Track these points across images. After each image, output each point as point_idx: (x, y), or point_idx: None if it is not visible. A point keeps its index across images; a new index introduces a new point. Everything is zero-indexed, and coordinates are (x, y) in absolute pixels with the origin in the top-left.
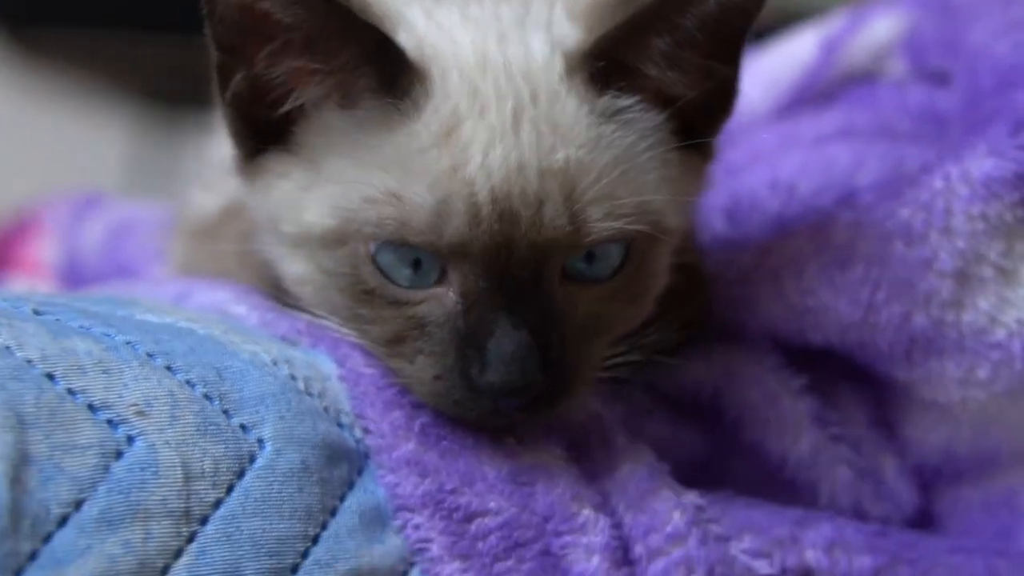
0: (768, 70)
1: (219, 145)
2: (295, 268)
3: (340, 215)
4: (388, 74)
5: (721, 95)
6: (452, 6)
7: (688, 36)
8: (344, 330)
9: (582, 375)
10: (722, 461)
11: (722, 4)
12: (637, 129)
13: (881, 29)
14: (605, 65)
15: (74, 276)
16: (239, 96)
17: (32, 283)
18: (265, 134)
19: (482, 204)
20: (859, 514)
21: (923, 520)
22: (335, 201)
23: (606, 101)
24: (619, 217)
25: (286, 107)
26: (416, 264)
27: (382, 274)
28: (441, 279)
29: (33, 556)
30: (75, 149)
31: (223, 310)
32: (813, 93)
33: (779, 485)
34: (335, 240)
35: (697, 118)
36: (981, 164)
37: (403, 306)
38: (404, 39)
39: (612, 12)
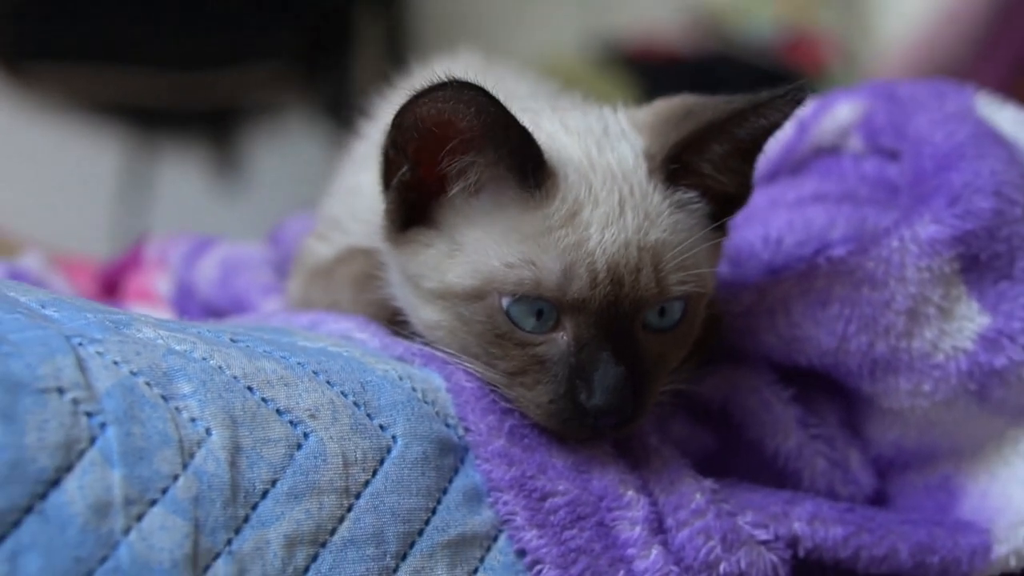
0: None
1: (332, 205)
2: (431, 316)
3: (482, 277)
4: (528, 168)
5: (745, 188)
6: (552, 116)
7: (737, 144)
8: (470, 364)
9: (652, 401)
10: (729, 455)
11: (769, 121)
12: (695, 216)
13: (842, 113)
14: (676, 167)
15: (187, 306)
16: (402, 184)
17: (152, 311)
18: (414, 213)
19: (599, 271)
20: (832, 495)
21: (879, 499)
22: (476, 266)
23: (678, 195)
24: (687, 282)
25: (452, 193)
26: (539, 314)
27: (512, 322)
28: (556, 325)
29: (246, 519)
30: (70, 170)
31: (349, 336)
32: (791, 163)
33: (772, 473)
34: (475, 296)
35: (723, 205)
36: (926, 229)
37: (527, 346)
38: None
39: (675, 125)
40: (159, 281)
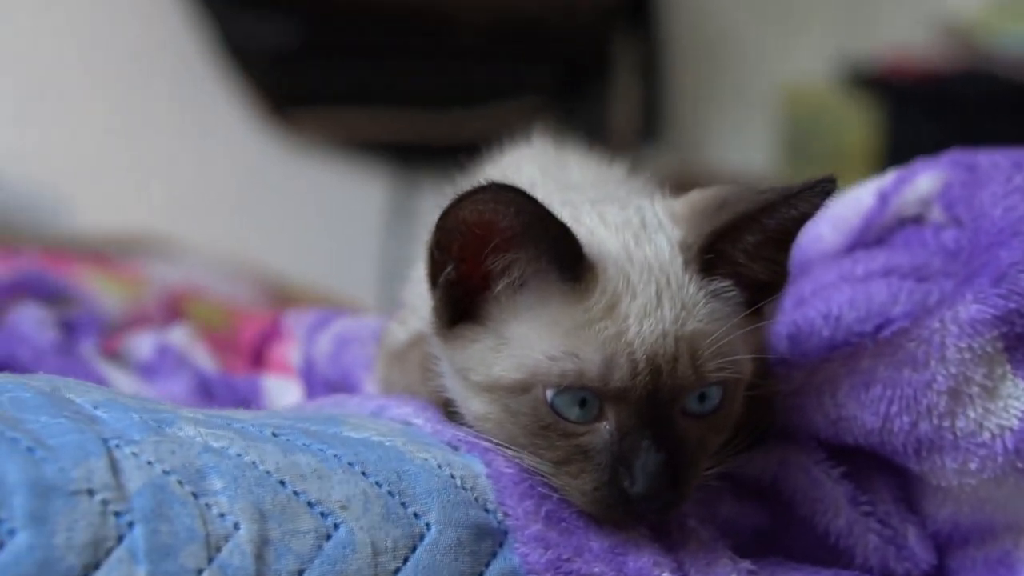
0: (836, 213)
1: (408, 291)
2: (479, 408)
3: (527, 370)
4: (568, 263)
5: (780, 276)
6: (592, 211)
7: (769, 234)
8: (516, 454)
9: (693, 485)
10: (783, 531)
11: (800, 211)
12: (730, 304)
13: (923, 184)
14: (711, 257)
15: (311, 379)
16: (448, 282)
17: (283, 383)
18: (461, 309)
19: (639, 361)
20: (886, 571)
21: (942, 574)
22: (522, 360)
23: (713, 285)
24: (723, 369)
25: (496, 289)
26: (583, 403)
27: (556, 413)
28: (599, 415)
29: None
30: (339, 209)
31: (407, 421)
32: (874, 234)
33: (826, 549)
34: (520, 389)
35: (760, 292)
36: (967, 309)
37: (571, 436)
38: None
39: (710, 216)
40: (293, 353)
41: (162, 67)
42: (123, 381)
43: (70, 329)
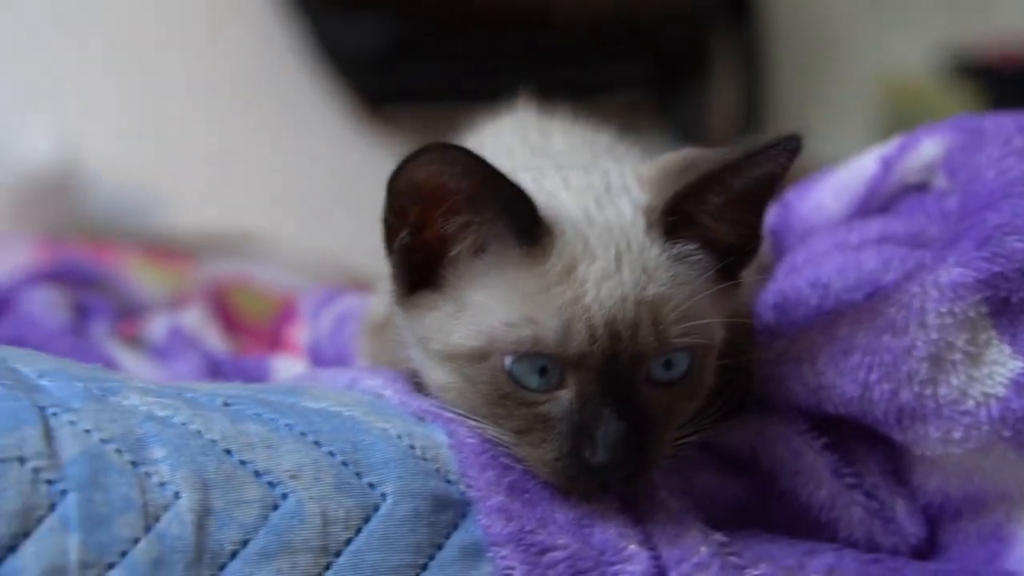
0: (839, 181)
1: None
2: (440, 377)
3: (484, 337)
4: (524, 226)
5: (751, 239)
6: (555, 175)
7: (735, 195)
8: (478, 424)
9: (660, 454)
10: (764, 504)
11: (765, 171)
12: (697, 267)
13: (927, 149)
14: (675, 219)
15: (319, 358)
16: (403, 248)
17: (291, 363)
18: (419, 276)
19: (597, 326)
20: (872, 545)
21: (934, 548)
22: (479, 327)
23: (677, 248)
24: (688, 334)
25: (451, 254)
26: (542, 371)
27: (515, 381)
28: (560, 383)
29: None
30: None
31: (377, 393)
32: (879, 201)
33: (808, 522)
34: (479, 356)
35: (733, 256)
36: (949, 273)
37: (531, 405)
38: None
39: (675, 179)
40: (302, 333)
41: (259, 69)
42: (132, 363)
43: (86, 313)
